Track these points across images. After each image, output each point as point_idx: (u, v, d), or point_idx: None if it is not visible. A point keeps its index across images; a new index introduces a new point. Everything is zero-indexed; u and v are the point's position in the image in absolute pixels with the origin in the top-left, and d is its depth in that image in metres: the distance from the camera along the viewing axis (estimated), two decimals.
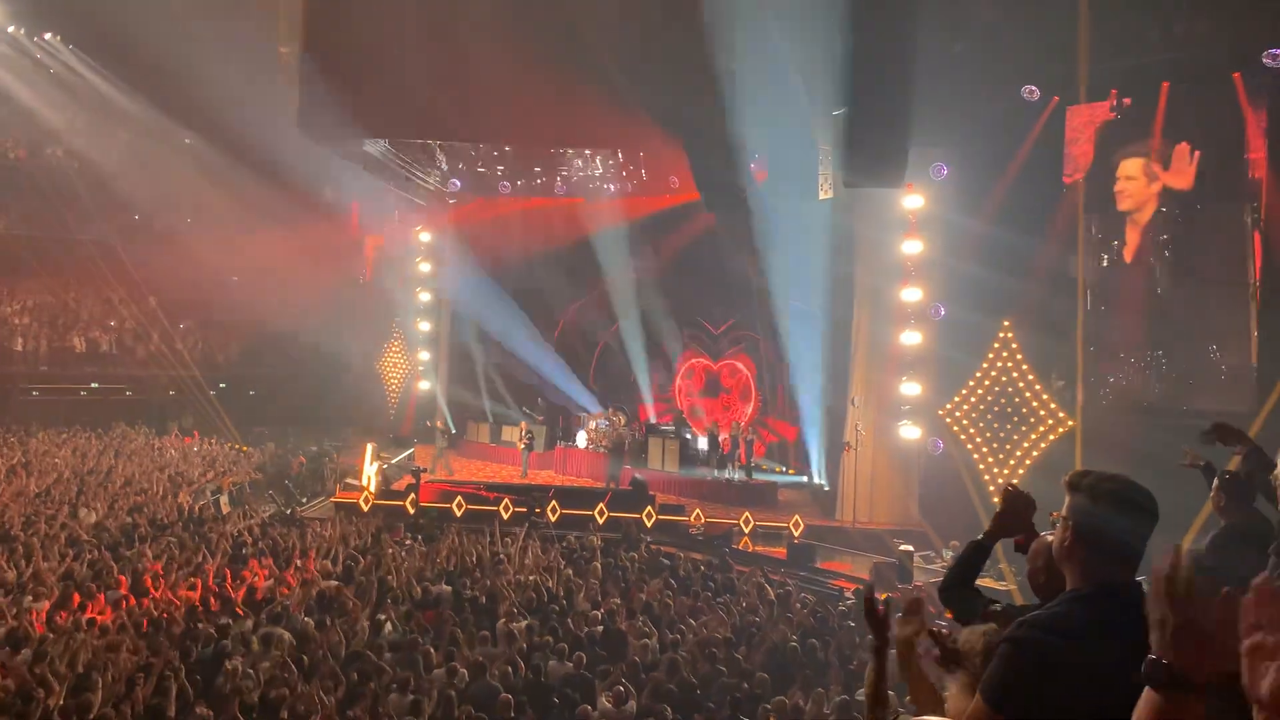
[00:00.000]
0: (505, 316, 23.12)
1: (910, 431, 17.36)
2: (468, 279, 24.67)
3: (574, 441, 22.69)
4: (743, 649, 9.77)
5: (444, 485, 18.55)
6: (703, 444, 21.47)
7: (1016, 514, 3.14)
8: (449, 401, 25.29)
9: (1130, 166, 15.55)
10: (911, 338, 17.37)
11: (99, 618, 10.01)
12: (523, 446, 21.11)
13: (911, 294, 17.38)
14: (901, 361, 17.55)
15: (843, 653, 9.63)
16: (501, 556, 13.14)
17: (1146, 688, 1.59)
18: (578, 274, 22.79)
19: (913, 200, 17.06)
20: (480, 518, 16.67)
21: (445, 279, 25.64)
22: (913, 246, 17.29)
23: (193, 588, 11.25)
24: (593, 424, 22.55)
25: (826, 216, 17.91)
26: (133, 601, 10.64)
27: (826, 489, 19.60)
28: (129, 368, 27.29)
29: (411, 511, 17.53)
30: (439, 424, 23.62)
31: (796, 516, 17.26)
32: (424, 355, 25.60)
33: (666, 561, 13.81)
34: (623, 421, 22.55)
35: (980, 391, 16.52)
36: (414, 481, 17.85)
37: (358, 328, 26.38)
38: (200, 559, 12.47)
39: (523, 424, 21.72)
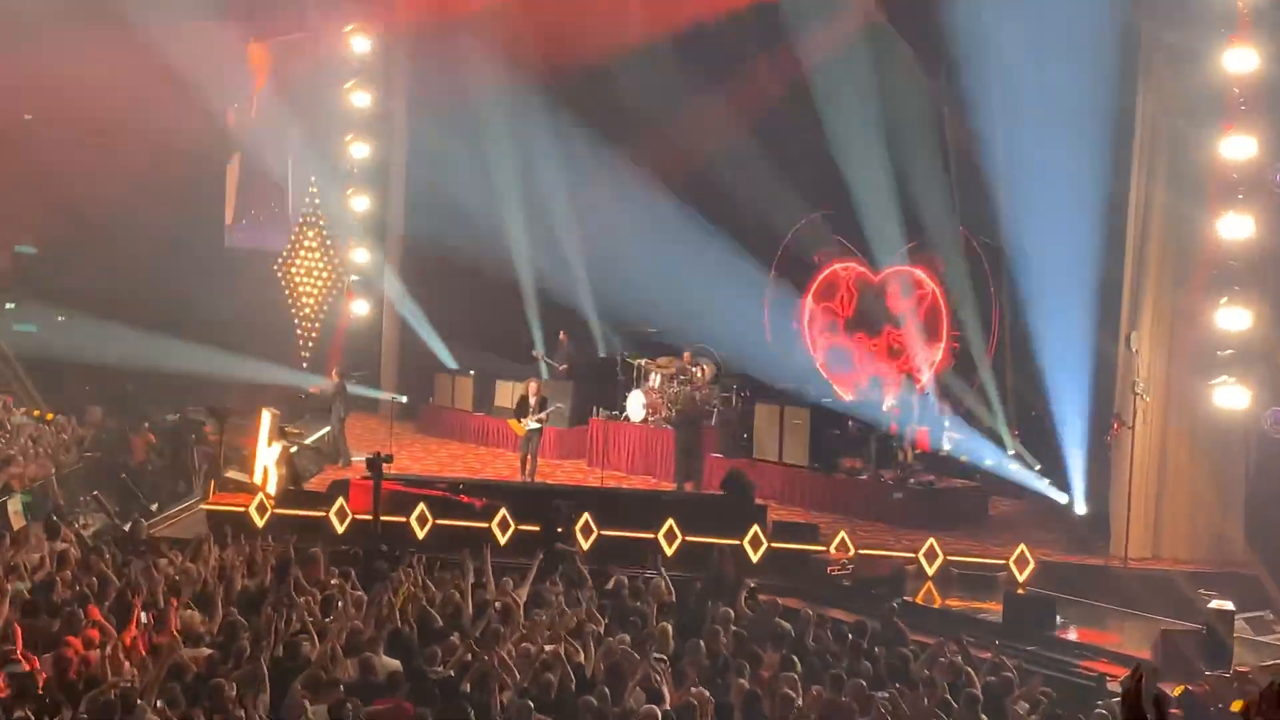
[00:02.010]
0: (504, 182, 23.36)
1: (1233, 396, 17.20)
2: (434, 118, 24.68)
3: (622, 411, 22.79)
4: None
5: (394, 484, 18.51)
6: (858, 411, 21.51)
7: None
8: (402, 336, 25.74)
9: None
10: (1238, 226, 17.19)
11: None
12: (528, 424, 21.12)
13: (1239, 146, 17.14)
14: (1220, 269, 17.46)
15: None
16: (496, 609, 13.12)
17: None
18: (617, 110, 22.87)
19: None
20: (459, 541, 16.50)
21: (396, 119, 25.80)
22: (1242, 59, 17.02)
23: None
24: (654, 378, 22.52)
25: (1089, 11, 17.80)
26: None
27: (1075, 508, 19.57)
28: None
29: (340, 528, 17.82)
30: (334, 374, 23.78)
31: (1022, 547, 17.27)
32: (359, 255, 25.85)
33: (786, 625, 13.73)
34: (707, 375, 22.50)
35: None
36: (371, 474, 17.71)
37: (244, 207, 26.91)
38: None
39: (531, 382, 21.70)
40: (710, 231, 23.15)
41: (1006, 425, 21.00)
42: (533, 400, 21.24)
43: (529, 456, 21.29)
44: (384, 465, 17.34)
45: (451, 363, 25.71)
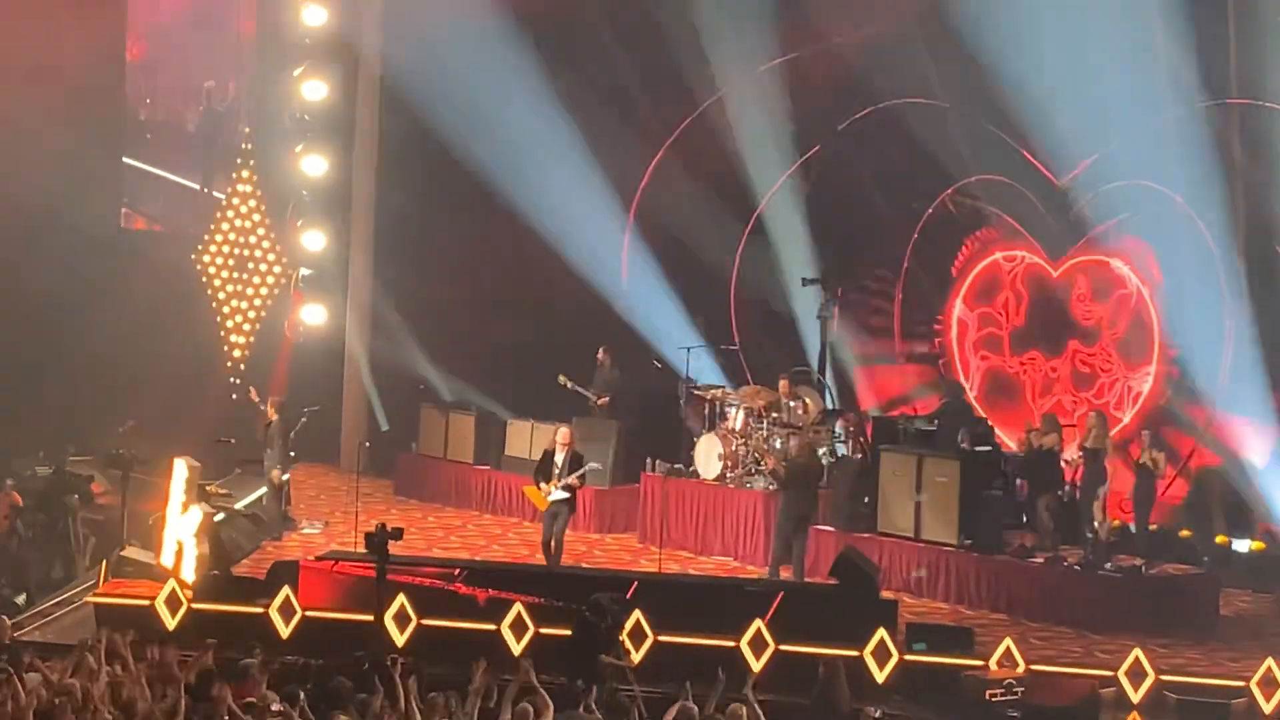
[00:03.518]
0: (511, 135, 24.27)
1: None
2: (417, 46, 25.14)
3: (689, 463, 22.90)
4: None
5: (361, 568, 18.54)
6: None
7: None
8: (372, 354, 26.46)
9: None
10: None
11: None
12: (553, 492, 20.34)
13: None
14: None
15: None
16: None
17: None
18: (666, 39, 24.37)
19: None
20: (456, 649, 16.35)
21: (365, 47, 26.27)
22: None
23: None
24: (736, 415, 22.32)
25: None
26: None
27: None
28: None
29: (286, 631, 17.83)
30: (272, 408, 22.97)
31: (1270, 662, 16.76)
32: (313, 239, 26.15)
33: None
34: (811, 411, 22.21)
35: None
36: (372, 557, 17.04)
37: (148, 176, 27.20)
38: None
39: (561, 429, 21.00)
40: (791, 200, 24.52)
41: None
42: (560, 456, 20.41)
43: (554, 537, 20.50)
44: (388, 539, 16.45)
45: (445, 394, 25.69)
